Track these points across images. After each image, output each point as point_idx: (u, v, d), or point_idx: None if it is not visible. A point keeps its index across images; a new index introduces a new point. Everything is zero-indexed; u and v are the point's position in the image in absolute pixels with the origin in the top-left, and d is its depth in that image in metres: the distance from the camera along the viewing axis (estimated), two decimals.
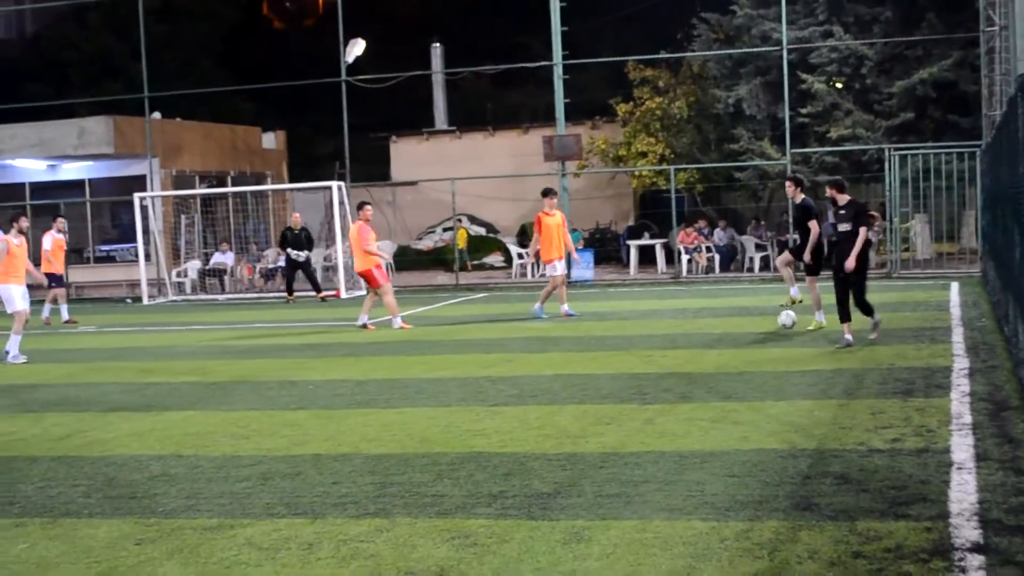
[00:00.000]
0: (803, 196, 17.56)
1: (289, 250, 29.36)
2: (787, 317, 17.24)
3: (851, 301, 15.27)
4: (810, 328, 17.36)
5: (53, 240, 24.93)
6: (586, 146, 35.30)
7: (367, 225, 20.68)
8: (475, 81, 49.12)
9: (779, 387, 12.27)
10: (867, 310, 15.45)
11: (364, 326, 20.61)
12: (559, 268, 21.38)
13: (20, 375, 16.19)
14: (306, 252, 29.50)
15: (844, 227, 15.23)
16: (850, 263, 14.97)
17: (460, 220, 34.59)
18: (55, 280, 24.50)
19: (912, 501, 7.48)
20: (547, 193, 21.72)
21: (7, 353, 17.82)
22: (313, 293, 29.39)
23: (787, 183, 18.03)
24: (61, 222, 25.70)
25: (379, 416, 11.71)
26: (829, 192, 15.85)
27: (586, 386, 12.97)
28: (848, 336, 15.17)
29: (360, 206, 21.16)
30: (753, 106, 33.42)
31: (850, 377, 12.73)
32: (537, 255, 22.47)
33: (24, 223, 18.64)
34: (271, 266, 34.31)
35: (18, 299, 18.03)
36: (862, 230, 14.94)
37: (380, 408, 12.20)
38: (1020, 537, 6.63)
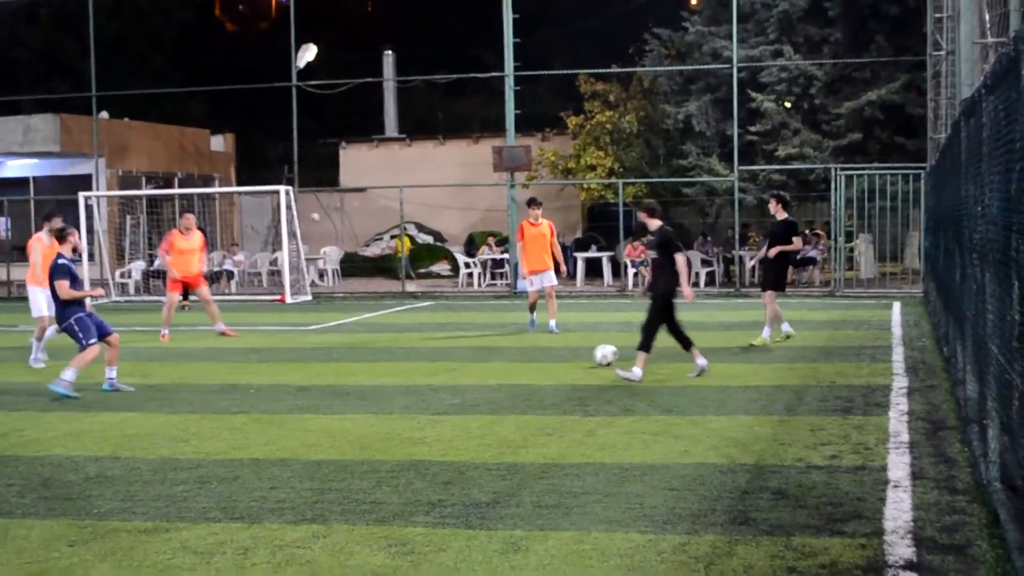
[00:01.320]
0: (786, 214, 17.67)
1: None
2: (603, 353, 15.58)
3: (677, 327, 14.39)
4: (754, 343, 17.46)
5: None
6: (536, 157, 35.34)
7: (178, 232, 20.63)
8: (426, 90, 49.05)
9: (721, 402, 12.32)
10: (646, 342, 14.10)
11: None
12: (534, 283, 20.22)
13: None
14: None
15: (653, 254, 14.58)
16: (687, 292, 14.32)
17: (404, 229, 34.52)
18: None
19: (848, 518, 7.53)
20: (531, 203, 20.48)
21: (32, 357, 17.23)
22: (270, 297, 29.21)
23: (771, 200, 18.01)
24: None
25: (320, 422, 11.66)
26: (641, 216, 14.74)
27: (529, 396, 12.97)
28: (700, 361, 14.35)
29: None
30: (702, 122, 33.61)
31: (791, 394, 12.81)
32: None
33: (57, 222, 16.86)
34: (216, 269, 34.09)
35: (44, 305, 16.65)
36: (678, 257, 14.13)
37: (322, 414, 12.15)
38: (952, 555, 6.69)
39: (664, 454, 9.66)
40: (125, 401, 13.34)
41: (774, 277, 17.80)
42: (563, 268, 21.07)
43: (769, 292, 17.77)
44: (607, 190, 35.56)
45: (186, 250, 20.14)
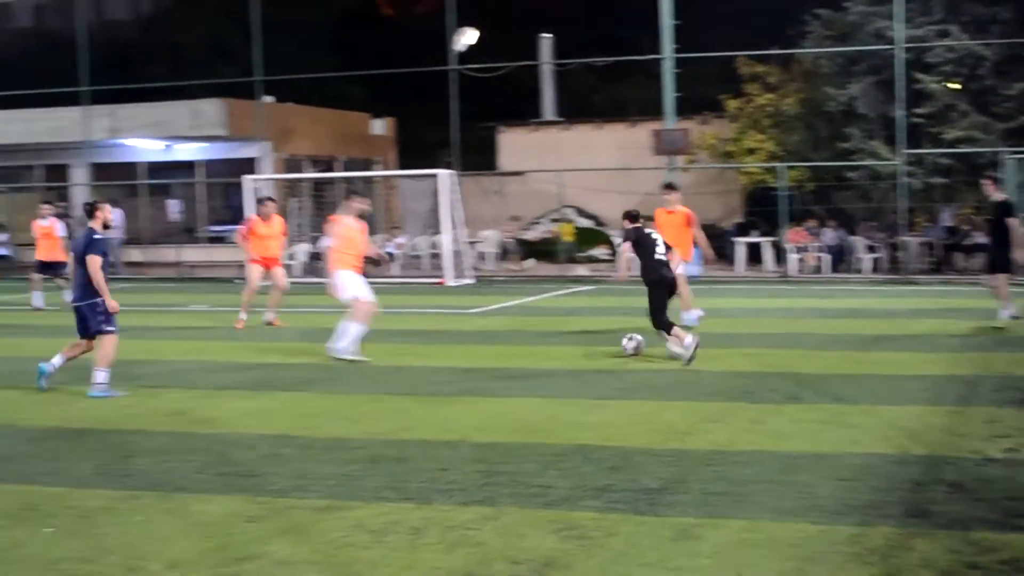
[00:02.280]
0: (1002, 195, 17.60)
1: None
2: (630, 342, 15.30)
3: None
4: (996, 326, 17.28)
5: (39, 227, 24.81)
6: (695, 141, 35.04)
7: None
8: (584, 73, 48.92)
9: (890, 391, 12.08)
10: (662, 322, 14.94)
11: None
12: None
13: (136, 351, 16.50)
14: None
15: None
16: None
17: (565, 213, 34.50)
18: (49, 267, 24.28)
19: None
20: (668, 187, 19.40)
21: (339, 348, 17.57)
22: (430, 280, 29.47)
23: (985, 182, 17.96)
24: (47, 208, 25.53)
25: (486, 404, 11.77)
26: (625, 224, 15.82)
27: (693, 383, 12.91)
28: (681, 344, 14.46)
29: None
30: (865, 105, 32.89)
31: (963, 384, 12.50)
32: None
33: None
34: (379, 251, 34.49)
35: (352, 285, 15.62)
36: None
37: (487, 396, 12.26)
38: None
39: (833, 443, 9.53)
40: (296, 381, 13.62)
41: (999, 259, 17.65)
42: (708, 253, 20.28)
43: (1000, 275, 17.65)
44: (768, 174, 35.06)
45: (265, 235, 20.39)
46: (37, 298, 23.99)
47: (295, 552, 6.90)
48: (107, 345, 12.79)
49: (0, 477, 8.90)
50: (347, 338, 15.16)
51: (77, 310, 12.98)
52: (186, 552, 6.95)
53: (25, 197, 40.52)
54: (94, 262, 12.62)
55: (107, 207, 13.16)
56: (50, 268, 24.26)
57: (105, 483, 8.69)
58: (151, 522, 7.62)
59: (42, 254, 24.54)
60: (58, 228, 25.12)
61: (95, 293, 12.70)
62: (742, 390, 12.33)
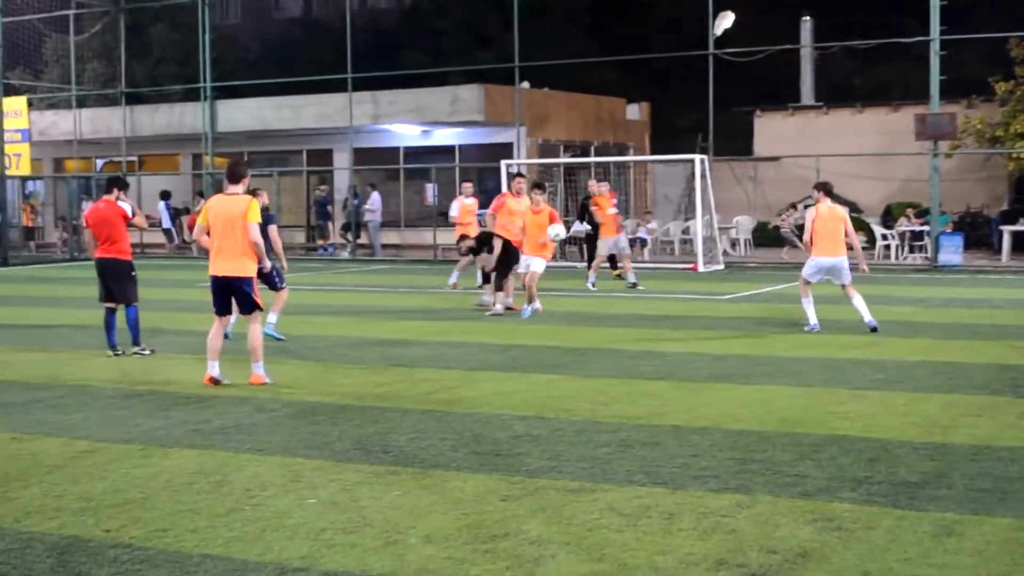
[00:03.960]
0: None
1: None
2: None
3: None
4: None
5: (462, 205, 24.54)
6: (960, 126, 33.79)
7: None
8: (843, 56, 47.77)
9: None
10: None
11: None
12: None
13: (394, 332, 16.96)
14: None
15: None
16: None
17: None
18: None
19: None
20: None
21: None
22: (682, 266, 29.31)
23: None
24: (468, 187, 25.16)
25: (738, 392, 11.64)
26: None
27: (955, 374, 12.47)
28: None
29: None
30: None
31: None
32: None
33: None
34: (631, 236, 34.51)
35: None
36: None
37: (739, 384, 12.12)
38: None
39: None
40: (547, 363, 13.75)
41: None
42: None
43: None
44: None
45: (516, 211, 20.29)
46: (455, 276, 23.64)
47: (548, 531, 6.96)
48: (284, 295, 15.97)
49: (267, 450, 9.26)
50: None
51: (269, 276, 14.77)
52: (442, 527, 7.09)
53: (290, 180, 42.13)
54: (272, 232, 15.62)
55: (264, 193, 15.41)
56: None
57: (363, 458, 8.94)
58: (409, 496, 7.81)
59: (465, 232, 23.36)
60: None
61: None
62: (1008, 383, 11.86)
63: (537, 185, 20.31)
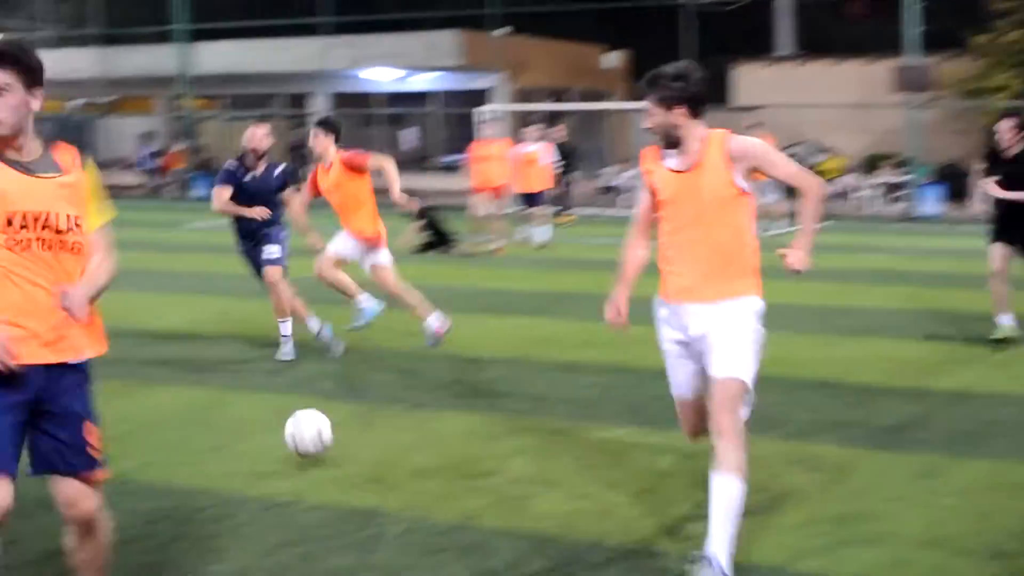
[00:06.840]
0: None
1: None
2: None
3: None
4: None
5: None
6: (938, 79, 33.74)
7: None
8: (820, 7, 47.66)
9: None
10: None
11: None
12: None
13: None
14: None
15: None
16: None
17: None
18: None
19: None
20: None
21: None
22: None
23: None
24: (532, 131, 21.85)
25: None
26: None
27: (934, 322, 12.53)
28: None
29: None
30: None
31: None
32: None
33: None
34: (609, 184, 34.48)
35: None
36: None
37: None
38: None
39: None
40: (531, 307, 13.74)
41: None
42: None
43: None
44: None
45: (485, 156, 20.17)
46: (539, 233, 20.96)
47: (532, 470, 7.02)
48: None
49: (253, 387, 9.25)
50: None
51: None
52: (427, 465, 7.15)
53: (270, 125, 41.80)
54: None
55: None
56: (533, 200, 21.00)
57: (347, 396, 8.97)
58: (392, 435, 7.87)
59: (521, 185, 20.62)
60: (544, 155, 21.31)
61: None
62: (988, 331, 11.87)
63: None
